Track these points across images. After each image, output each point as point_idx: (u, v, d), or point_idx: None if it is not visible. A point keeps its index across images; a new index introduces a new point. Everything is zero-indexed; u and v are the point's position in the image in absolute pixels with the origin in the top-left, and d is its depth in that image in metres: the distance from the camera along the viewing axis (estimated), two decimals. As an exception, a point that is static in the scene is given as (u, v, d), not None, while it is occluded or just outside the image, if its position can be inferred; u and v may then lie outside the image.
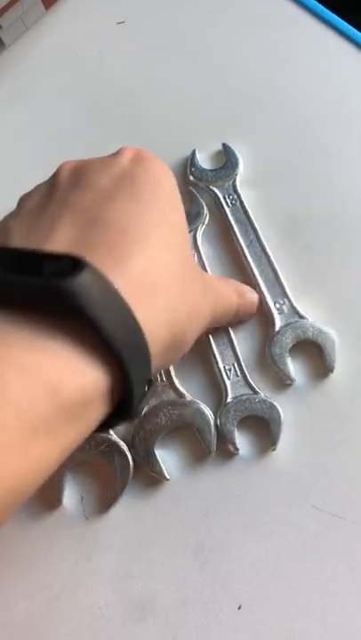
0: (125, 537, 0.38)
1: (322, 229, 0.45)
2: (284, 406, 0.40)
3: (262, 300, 0.42)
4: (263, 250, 0.44)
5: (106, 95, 0.51)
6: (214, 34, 0.52)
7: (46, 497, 0.39)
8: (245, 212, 0.45)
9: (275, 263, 0.43)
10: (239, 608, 0.36)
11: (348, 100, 0.49)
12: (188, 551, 0.37)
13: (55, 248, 0.28)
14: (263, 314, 0.42)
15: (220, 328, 0.42)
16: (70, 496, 0.39)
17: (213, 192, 0.46)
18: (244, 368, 0.41)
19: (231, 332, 0.42)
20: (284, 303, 0.42)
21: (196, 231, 0.45)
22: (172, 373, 0.41)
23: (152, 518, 0.38)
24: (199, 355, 0.41)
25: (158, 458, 0.39)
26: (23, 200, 0.35)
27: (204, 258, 0.45)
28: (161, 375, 0.41)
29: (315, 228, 0.45)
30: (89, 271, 0.25)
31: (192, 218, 0.45)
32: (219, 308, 0.37)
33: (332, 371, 0.40)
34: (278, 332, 0.41)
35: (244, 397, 0.40)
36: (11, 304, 0.25)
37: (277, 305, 0.42)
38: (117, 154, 0.35)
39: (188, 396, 0.40)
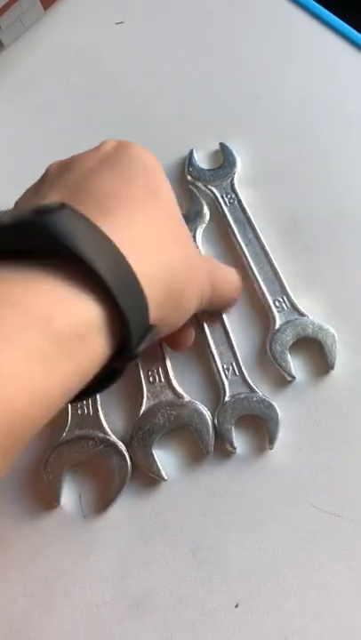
0: (124, 536, 0.39)
1: (321, 228, 0.45)
2: (285, 403, 0.40)
3: (262, 298, 0.43)
4: (262, 248, 0.44)
5: (105, 95, 0.52)
6: (213, 34, 0.53)
7: (45, 497, 0.39)
8: (244, 211, 0.46)
9: (274, 261, 0.43)
10: (236, 606, 0.36)
11: (346, 99, 0.50)
12: (185, 550, 0.38)
13: None
14: (263, 311, 0.43)
15: (217, 324, 0.42)
16: (69, 496, 0.40)
17: (211, 191, 0.47)
18: (242, 367, 0.41)
19: (229, 330, 0.42)
20: (283, 301, 0.42)
21: (196, 230, 0.45)
22: (171, 374, 0.41)
23: (150, 518, 0.39)
24: (197, 354, 0.42)
25: (156, 458, 0.39)
26: (17, 201, 0.37)
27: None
28: (159, 375, 0.41)
29: (314, 226, 0.45)
30: (71, 210, 0.27)
31: (192, 217, 0.46)
32: (219, 280, 0.38)
33: (332, 367, 0.41)
34: (279, 329, 0.41)
35: (242, 396, 0.40)
36: (4, 254, 0.26)
37: (277, 303, 0.42)
38: (101, 144, 0.37)
39: (187, 397, 0.40)
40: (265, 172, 0.47)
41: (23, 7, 0.52)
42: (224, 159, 0.48)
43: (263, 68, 0.51)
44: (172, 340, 0.39)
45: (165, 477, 0.39)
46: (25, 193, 0.37)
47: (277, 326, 0.42)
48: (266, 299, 0.43)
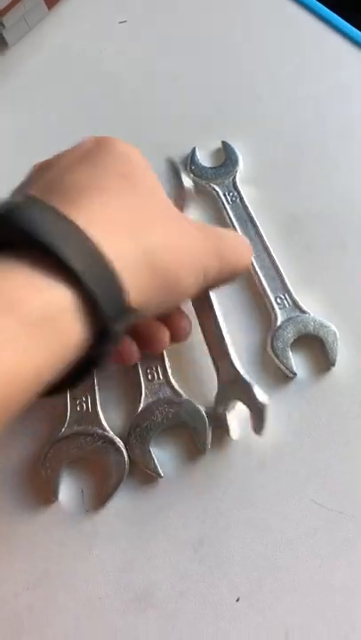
0: (124, 531, 0.39)
1: (322, 226, 0.46)
2: (285, 400, 0.40)
3: (263, 295, 0.43)
4: (264, 245, 0.44)
5: (107, 94, 0.53)
6: (215, 33, 0.54)
7: (43, 492, 0.39)
8: (246, 208, 0.46)
9: (276, 258, 0.44)
10: (237, 600, 0.36)
11: (347, 98, 0.50)
12: (187, 544, 0.38)
13: None
14: (265, 308, 0.43)
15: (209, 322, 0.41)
16: (67, 491, 0.40)
17: (214, 189, 0.47)
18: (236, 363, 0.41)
19: (223, 328, 0.41)
20: (285, 298, 0.43)
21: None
22: (169, 372, 0.41)
23: (151, 513, 0.39)
24: (197, 352, 0.42)
25: (153, 455, 0.39)
26: None
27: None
28: (158, 373, 0.41)
29: (315, 224, 0.46)
30: (39, 202, 0.27)
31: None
32: (226, 253, 0.36)
33: (333, 365, 0.41)
34: (280, 326, 0.42)
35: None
36: None
37: (279, 300, 0.42)
38: (81, 141, 0.37)
39: (184, 395, 0.41)
40: (267, 171, 0.48)
41: (27, 6, 0.53)
42: (226, 157, 0.48)
43: (265, 67, 0.52)
44: (169, 329, 0.39)
45: (162, 474, 0.39)
46: (11, 194, 0.37)
47: (279, 323, 0.42)
48: (267, 296, 0.43)
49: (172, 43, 0.54)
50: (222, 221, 0.46)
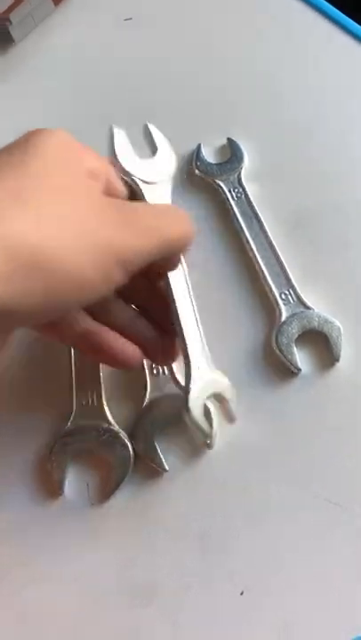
0: (129, 525, 0.39)
1: (327, 222, 0.46)
2: (290, 395, 0.41)
3: (268, 291, 0.43)
4: (268, 242, 0.45)
5: (113, 91, 0.53)
6: (221, 30, 0.54)
7: (49, 486, 0.40)
8: (250, 205, 0.46)
9: (280, 254, 0.44)
10: (242, 594, 0.37)
11: (352, 96, 0.50)
12: (191, 538, 0.38)
13: None
14: (269, 304, 0.43)
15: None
16: (73, 485, 0.40)
17: (219, 186, 0.47)
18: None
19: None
20: (289, 294, 0.43)
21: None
22: (174, 368, 0.41)
23: (156, 507, 0.39)
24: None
25: (158, 449, 0.40)
26: None
27: (209, 250, 0.45)
28: (163, 368, 0.41)
29: (320, 220, 0.46)
30: None
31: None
32: (161, 232, 0.32)
33: (337, 360, 0.41)
34: (285, 322, 0.42)
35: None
36: None
37: (283, 296, 0.43)
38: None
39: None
40: (272, 167, 0.48)
41: (34, 3, 0.53)
42: (231, 154, 0.48)
43: (271, 65, 0.52)
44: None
45: (167, 468, 0.39)
46: None
47: (283, 319, 0.42)
48: (272, 291, 0.43)
49: (177, 40, 0.54)
50: (227, 218, 0.46)
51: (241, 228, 0.45)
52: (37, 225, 0.26)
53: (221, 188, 0.47)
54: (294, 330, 0.42)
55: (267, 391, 0.41)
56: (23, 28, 0.54)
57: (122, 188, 0.34)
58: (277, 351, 0.41)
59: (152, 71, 0.53)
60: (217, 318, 0.43)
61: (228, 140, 0.49)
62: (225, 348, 0.42)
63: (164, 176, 0.41)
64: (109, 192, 0.32)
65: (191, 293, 0.38)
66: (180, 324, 0.36)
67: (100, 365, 0.42)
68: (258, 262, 0.44)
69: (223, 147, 0.49)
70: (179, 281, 0.37)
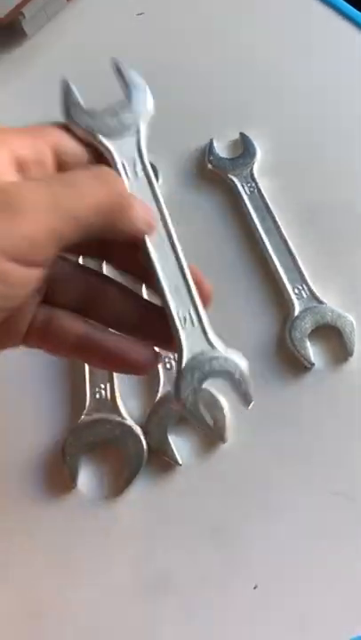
0: (142, 518, 0.39)
1: (339, 217, 0.46)
2: (303, 390, 0.41)
3: (281, 286, 0.43)
4: (281, 236, 0.45)
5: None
6: (233, 25, 0.54)
7: (63, 479, 0.40)
8: (263, 199, 0.46)
9: (293, 249, 0.44)
10: (255, 588, 0.37)
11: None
12: (204, 532, 0.38)
13: None
14: (282, 299, 0.43)
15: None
16: (87, 478, 0.40)
17: (231, 180, 0.47)
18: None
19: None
20: (302, 288, 0.43)
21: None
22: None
23: (170, 500, 0.39)
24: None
25: (172, 443, 0.40)
26: None
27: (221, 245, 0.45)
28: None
29: (332, 215, 0.46)
30: None
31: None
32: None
33: (351, 355, 0.41)
34: (298, 316, 0.42)
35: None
36: None
37: (296, 290, 0.43)
38: None
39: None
40: (284, 162, 0.48)
41: (47, -2, 0.54)
42: (244, 149, 0.48)
43: (283, 59, 0.52)
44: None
45: (180, 462, 0.40)
46: None
47: (296, 313, 0.42)
48: (285, 286, 0.43)
49: (189, 35, 0.54)
50: (240, 212, 0.46)
51: (254, 222, 0.45)
52: None
53: (234, 182, 0.47)
54: (307, 324, 0.42)
55: (280, 386, 0.41)
56: (36, 22, 0.55)
57: (79, 153, 0.30)
58: (291, 346, 0.41)
59: (164, 66, 0.53)
60: (230, 313, 0.43)
61: (241, 134, 0.49)
62: (238, 343, 0.42)
63: (134, 125, 0.32)
64: (63, 163, 0.29)
65: (183, 260, 0.30)
66: (165, 298, 0.29)
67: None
68: (271, 257, 0.44)
69: (236, 141, 0.49)
70: (161, 248, 0.30)
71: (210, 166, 0.48)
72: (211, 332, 0.29)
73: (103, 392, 0.41)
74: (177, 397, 0.29)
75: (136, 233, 0.28)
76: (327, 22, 0.53)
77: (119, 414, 0.40)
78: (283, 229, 0.45)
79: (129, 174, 0.30)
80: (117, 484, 0.40)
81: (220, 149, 0.49)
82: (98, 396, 0.41)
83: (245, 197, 0.46)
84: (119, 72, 0.35)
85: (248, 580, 0.37)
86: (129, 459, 0.40)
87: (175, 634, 0.36)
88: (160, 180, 0.47)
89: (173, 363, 0.41)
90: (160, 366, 0.41)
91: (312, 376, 0.41)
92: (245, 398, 0.29)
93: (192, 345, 0.29)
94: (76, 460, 0.40)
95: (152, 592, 0.37)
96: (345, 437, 0.40)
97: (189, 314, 0.29)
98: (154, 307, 0.31)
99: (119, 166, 0.30)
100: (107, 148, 0.31)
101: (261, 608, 0.36)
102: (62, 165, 0.29)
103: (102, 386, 0.41)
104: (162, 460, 0.40)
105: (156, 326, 0.30)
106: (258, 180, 0.47)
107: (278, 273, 0.43)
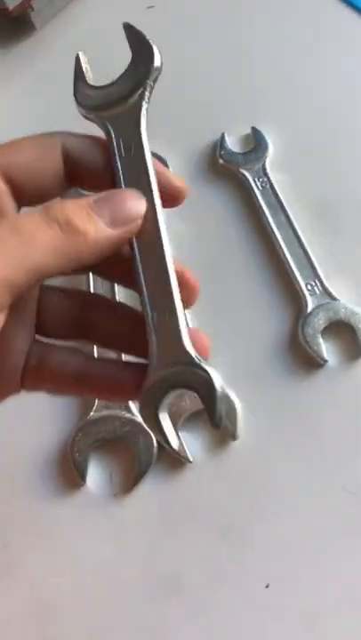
0: (152, 516, 0.39)
1: (353, 212, 0.46)
2: (316, 387, 0.40)
3: (294, 282, 0.43)
4: (294, 232, 0.44)
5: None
6: (244, 18, 0.54)
7: (72, 476, 0.40)
8: (275, 194, 0.46)
9: (306, 245, 0.44)
10: (267, 587, 0.36)
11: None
12: (216, 530, 0.38)
13: None
14: (295, 295, 0.43)
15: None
16: (95, 475, 0.40)
17: (243, 175, 0.47)
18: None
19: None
20: (315, 284, 0.43)
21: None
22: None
23: (180, 498, 0.39)
24: (228, 337, 0.42)
25: (182, 440, 0.39)
26: None
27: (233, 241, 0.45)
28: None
29: (345, 210, 0.46)
30: None
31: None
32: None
33: (364, 351, 0.41)
34: (311, 313, 0.42)
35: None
36: None
37: (309, 286, 0.43)
38: None
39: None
40: (296, 157, 0.48)
41: (55, -10, 0.53)
42: (256, 143, 0.48)
43: (295, 54, 0.52)
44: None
45: (191, 459, 0.39)
46: None
47: (309, 310, 0.42)
48: (298, 282, 0.43)
49: (201, 28, 0.54)
50: (252, 207, 0.46)
51: (266, 217, 0.45)
52: None
53: (246, 177, 0.47)
54: (320, 321, 0.41)
55: (292, 382, 0.41)
56: (44, 15, 0.54)
57: (86, 147, 0.30)
58: (303, 342, 0.41)
59: (175, 59, 0.52)
60: (242, 309, 0.43)
61: (253, 129, 0.49)
62: (251, 339, 0.42)
63: (141, 85, 0.29)
64: (73, 160, 0.29)
65: (168, 260, 0.27)
66: (143, 301, 0.27)
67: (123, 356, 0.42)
68: (283, 253, 0.44)
69: (247, 136, 0.49)
70: (148, 251, 0.27)
71: (221, 161, 0.48)
72: (187, 340, 0.26)
73: (113, 388, 0.41)
74: (140, 406, 0.28)
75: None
76: (340, 15, 0.52)
77: (129, 411, 0.40)
78: (295, 224, 0.44)
79: (123, 154, 0.28)
80: (127, 481, 0.39)
81: (232, 144, 0.48)
82: (107, 392, 0.41)
83: (257, 192, 0.46)
84: (129, 33, 0.31)
85: (260, 579, 0.37)
86: (139, 456, 0.39)
87: (185, 633, 0.36)
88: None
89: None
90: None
91: (325, 373, 0.41)
92: (213, 420, 0.26)
93: (163, 352, 0.26)
94: (85, 456, 0.39)
95: (162, 591, 0.37)
96: (358, 434, 0.39)
97: (165, 319, 0.26)
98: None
99: (115, 148, 0.28)
100: (104, 126, 0.29)
101: (273, 607, 0.36)
102: (74, 162, 0.29)
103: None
104: (172, 458, 0.39)
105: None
106: (270, 175, 0.47)
107: (291, 269, 0.43)
